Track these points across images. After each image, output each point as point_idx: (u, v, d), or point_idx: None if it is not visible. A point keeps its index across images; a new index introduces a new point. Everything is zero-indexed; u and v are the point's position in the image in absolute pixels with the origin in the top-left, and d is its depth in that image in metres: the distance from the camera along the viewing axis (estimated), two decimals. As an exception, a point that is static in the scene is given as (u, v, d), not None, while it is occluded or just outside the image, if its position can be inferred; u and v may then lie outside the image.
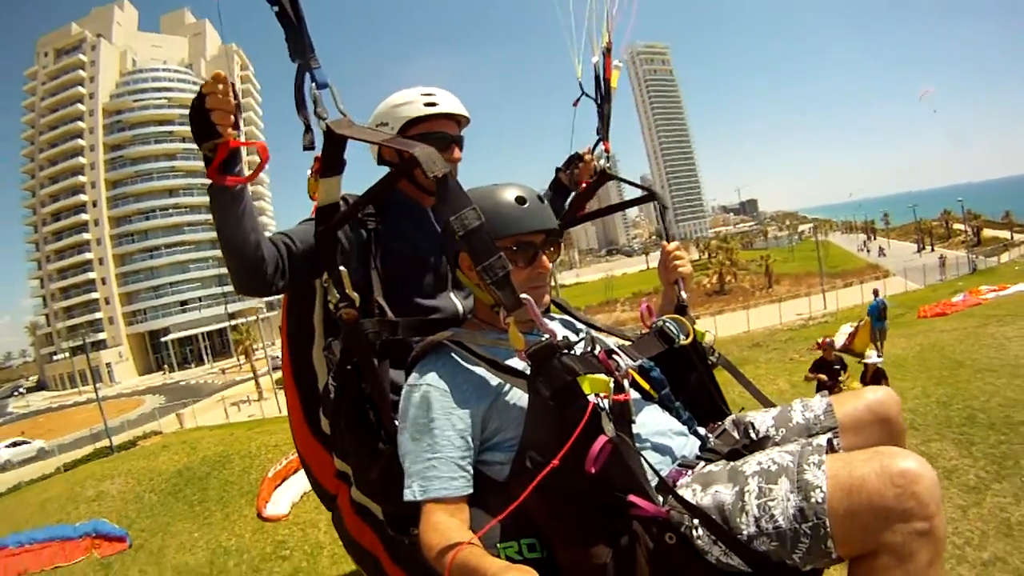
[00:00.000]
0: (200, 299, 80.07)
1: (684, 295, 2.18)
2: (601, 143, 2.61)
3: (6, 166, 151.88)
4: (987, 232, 67.07)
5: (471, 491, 1.60)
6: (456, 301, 2.21)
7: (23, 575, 6.48)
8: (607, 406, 1.46)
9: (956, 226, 74.72)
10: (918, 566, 1.23)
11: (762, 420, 1.83)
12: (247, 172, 1.70)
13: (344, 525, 2.27)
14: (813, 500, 1.28)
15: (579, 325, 2.15)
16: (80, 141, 79.84)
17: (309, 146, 1.64)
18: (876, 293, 17.75)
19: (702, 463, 1.64)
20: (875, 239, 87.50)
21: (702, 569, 1.38)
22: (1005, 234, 61.51)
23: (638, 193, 2.56)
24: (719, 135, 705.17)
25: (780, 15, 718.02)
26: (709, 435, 1.81)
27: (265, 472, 8.26)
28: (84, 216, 78.17)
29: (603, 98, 2.57)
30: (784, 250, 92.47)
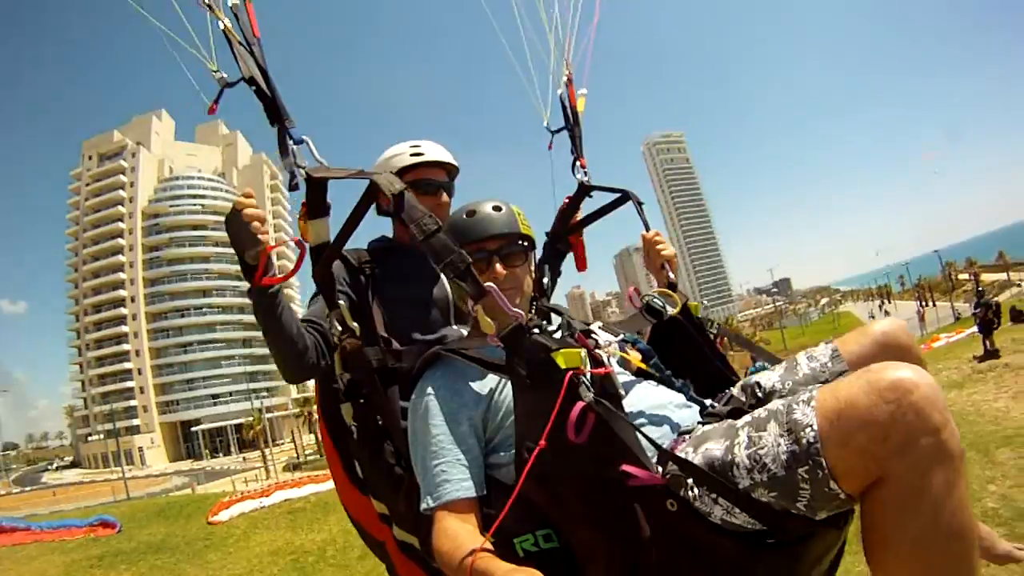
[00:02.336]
0: (230, 394, 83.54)
1: (672, 275, 2.20)
2: (577, 161, 2.67)
3: (51, 257, 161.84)
4: (987, 277, 66.31)
5: (482, 493, 1.60)
6: (462, 332, 2.24)
7: (37, 542, 9.42)
8: (587, 379, 1.43)
9: (961, 276, 75.68)
10: (935, 490, 1.07)
11: (769, 377, 1.72)
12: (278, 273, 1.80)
13: (396, 569, 2.25)
14: (804, 441, 1.16)
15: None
16: (120, 241, 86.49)
17: (293, 188, 1.78)
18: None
19: (700, 427, 1.56)
20: (890, 302, 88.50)
21: (707, 532, 1.29)
22: (1004, 276, 62.29)
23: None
24: (748, 219, 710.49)
25: (798, 90, 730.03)
26: (715, 404, 1.74)
27: (221, 499, 11.56)
28: (123, 310, 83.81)
29: (572, 123, 2.65)
30: (798, 328, 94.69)
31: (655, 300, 2.04)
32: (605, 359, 1.56)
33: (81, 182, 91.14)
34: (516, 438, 1.56)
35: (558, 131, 2.68)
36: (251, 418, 60.54)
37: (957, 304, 49.44)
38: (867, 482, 1.14)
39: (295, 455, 58.21)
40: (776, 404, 1.31)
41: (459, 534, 1.48)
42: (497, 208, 1.87)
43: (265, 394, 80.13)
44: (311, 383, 2.29)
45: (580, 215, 2.73)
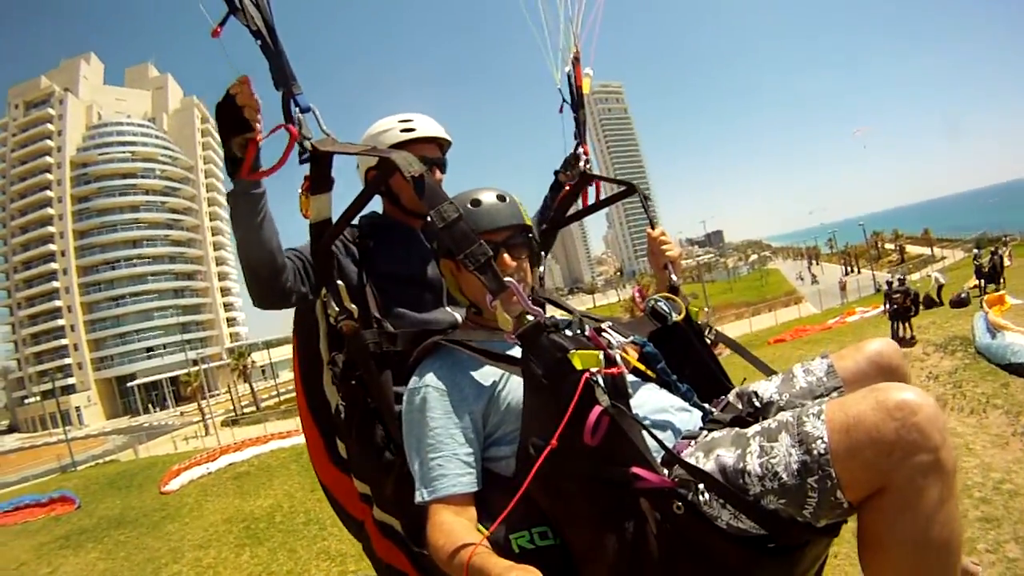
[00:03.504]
0: (164, 346, 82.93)
1: (675, 277, 2.21)
2: (580, 147, 2.63)
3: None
4: (913, 250, 68.89)
5: (478, 488, 1.60)
6: (455, 315, 2.20)
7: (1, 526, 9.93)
8: (601, 380, 1.42)
9: (888, 246, 77.86)
10: (929, 503, 1.15)
11: (765, 388, 1.78)
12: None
13: (373, 549, 2.23)
14: (815, 452, 1.22)
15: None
16: (49, 192, 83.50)
17: (305, 160, 1.71)
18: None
19: (705, 433, 1.59)
20: (818, 264, 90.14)
21: (713, 536, 1.33)
22: (928, 251, 63.47)
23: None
24: (683, 169, 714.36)
25: (742, 42, 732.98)
26: (713, 409, 1.77)
27: (170, 467, 12.26)
28: (53, 265, 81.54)
29: (577, 105, 2.62)
30: (726, 283, 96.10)
31: (661, 304, 2.05)
32: (618, 359, 1.54)
33: (7, 132, 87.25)
34: (521, 434, 1.56)
35: (563, 104, 2.66)
36: (186, 371, 60.22)
37: (879, 274, 49.72)
38: (869, 492, 1.21)
39: (231, 408, 57.92)
40: (786, 416, 1.36)
41: (455, 528, 1.48)
42: (501, 198, 1.81)
43: (199, 344, 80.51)
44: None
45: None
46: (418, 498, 1.59)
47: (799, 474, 1.24)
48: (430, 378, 1.69)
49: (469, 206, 1.74)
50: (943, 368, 8.75)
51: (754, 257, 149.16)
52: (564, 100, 2.65)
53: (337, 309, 1.87)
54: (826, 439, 1.22)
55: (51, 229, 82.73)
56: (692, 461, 1.42)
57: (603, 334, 1.65)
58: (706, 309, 2.26)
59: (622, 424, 1.40)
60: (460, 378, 1.69)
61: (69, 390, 77.42)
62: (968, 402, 7.32)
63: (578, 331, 1.59)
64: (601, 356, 1.47)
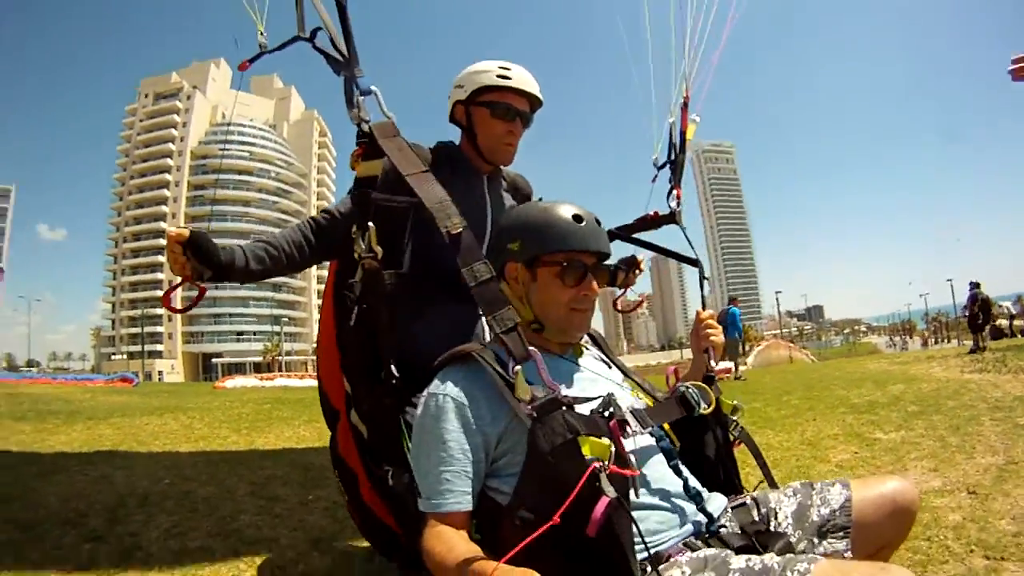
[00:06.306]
0: (255, 333, 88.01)
1: (713, 364, 2.14)
2: (673, 190, 2.63)
3: (96, 188, 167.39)
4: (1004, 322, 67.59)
5: (474, 507, 1.55)
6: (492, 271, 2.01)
7: (63, 385, 10.86)
8: (606, 476, 1.32)
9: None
10: None
11: (784, 515, 1.69)
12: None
13: (337, 443, 2.31)
14: None
15: (607, 368, 2.02)
16: (167, 176, 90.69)
17: (362, 140, 1.83)
18: (732, 301, 16.32)
19: (702, 547, 1.51)
20: (911, 338, 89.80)
21: None
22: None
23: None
24: (789, 240, 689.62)
25: (862, 124, 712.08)
26: (728, 509, 1.70)
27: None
28: (161, 241, 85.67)
29: (679, 148, 2.61)
30: (816, 350, 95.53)
31: (692, 393, 1.90)
32: (632, 460, 1.46)
33: (135, 117, 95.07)
34: (513, 498, 1.50)
35: (663, 166, 2.64)
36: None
37: (968, 342, 49.19)
38: None
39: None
40: (773, 560, 1.31)
41: (453, 537, 1.46)
42: (598, 221, 1.78)
43: (288, 339, 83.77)
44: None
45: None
46: (420, 506, 1.56)
47: None
48: (451, 387, 1.62)
49: (570, 219, 1.71)
50: (989, 358, 10.46)
51: (847, 330, 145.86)
52: (658, 169, 2.67)
53: (364, 246, 1.87)
54: None
55: (164, 209, 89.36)
56: (677, 573, 1.39)
57: (626, 427, 1.54)
58: (737, 403, 1.98)
59: (616, 524, 1.31)
60: (482, 397, 1.60)
61: (156, 355, 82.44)
62: (1009, 368, 8.62)
63: (601, 410, 1.51)
64: (613, 450, 1.38)
